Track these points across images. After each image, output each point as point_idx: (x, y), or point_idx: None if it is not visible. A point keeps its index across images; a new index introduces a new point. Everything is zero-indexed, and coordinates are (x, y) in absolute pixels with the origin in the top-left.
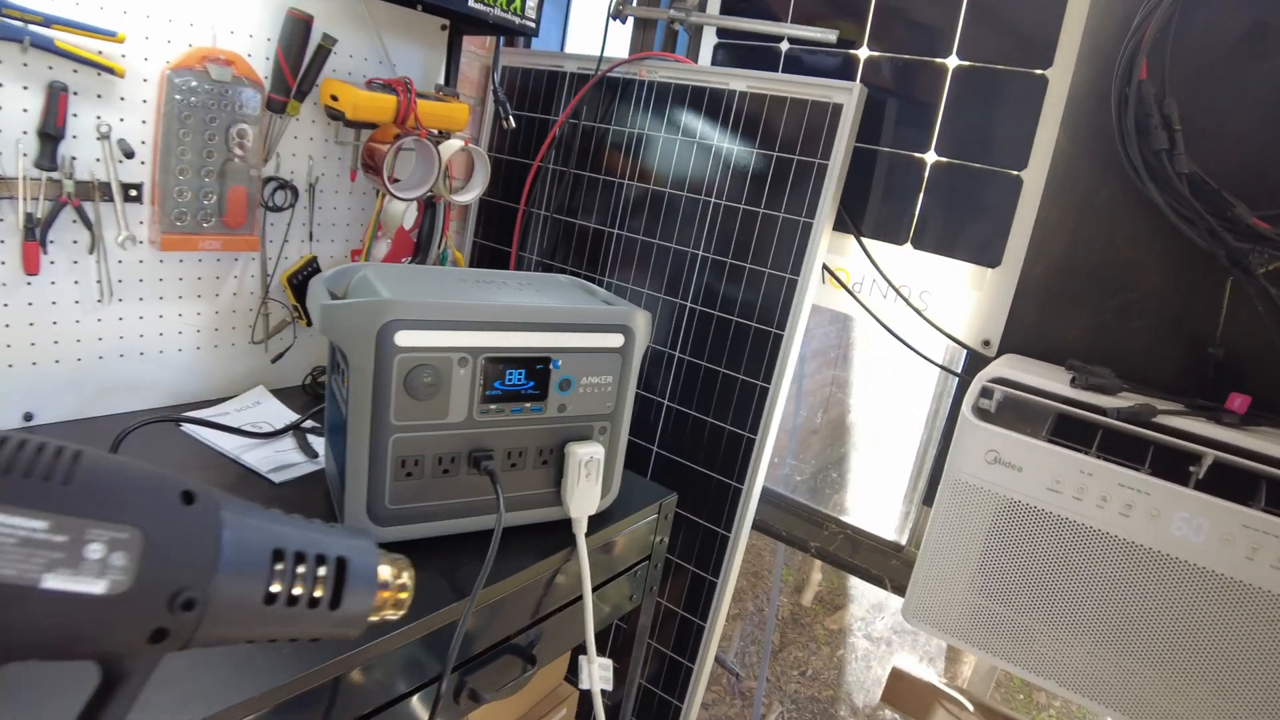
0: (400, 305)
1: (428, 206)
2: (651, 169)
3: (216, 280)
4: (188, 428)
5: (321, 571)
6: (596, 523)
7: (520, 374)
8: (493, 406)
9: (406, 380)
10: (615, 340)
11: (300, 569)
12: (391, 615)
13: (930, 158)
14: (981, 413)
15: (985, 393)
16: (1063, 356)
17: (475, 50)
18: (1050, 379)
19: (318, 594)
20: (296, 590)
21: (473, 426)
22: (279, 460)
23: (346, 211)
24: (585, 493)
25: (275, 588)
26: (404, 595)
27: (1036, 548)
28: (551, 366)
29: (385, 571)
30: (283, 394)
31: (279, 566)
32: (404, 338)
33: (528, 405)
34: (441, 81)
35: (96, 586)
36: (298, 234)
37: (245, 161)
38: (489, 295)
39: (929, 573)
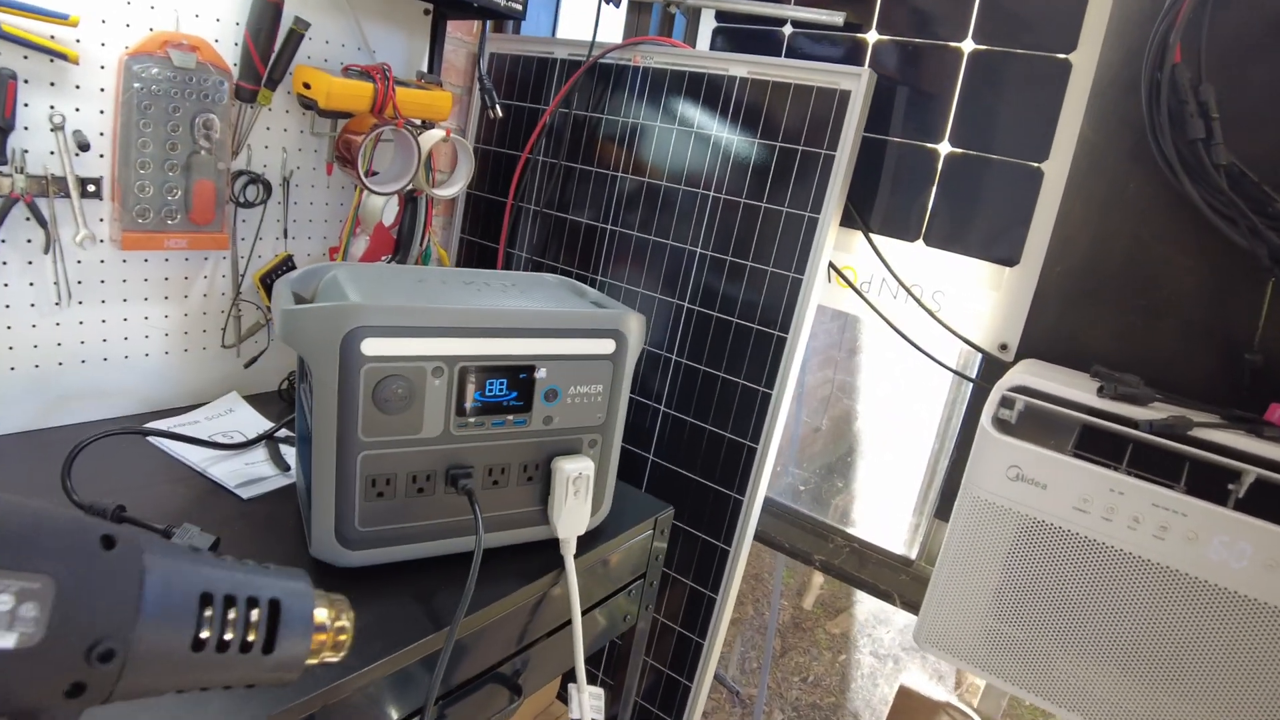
0: (367, 310)
1: (408, 201)
2: (647, 161)
3: (185, 281)
4: (154, 438)
5: (254, 615)
6: (587, 541)
7: (501, 384)
8: (471, 420)
9: (375, 392)
10: (606, 346)
11: (231, 613)
12: (331, 658)
13: (944, 148)
14: (1001, 424)
15: (1005, 403)
16: (1086, 361)
17: (461, 37)
18: (1075, 387)
19: (250, 639)
20: (227, 635)
21: (449, 442)
22: (249, 473)
23: (324, 207)
24: (574, 511)
25: (204, 633)
26: (343, 637)
27: (1062, 571)
28: (536, 375)
29: (322, 614)
30: (257, 400)
31: (208, 612)
32: (371, 346)
33: (510, 418)
34: (425, 69)
35: (5, 640)
36: (272, 231)
37: (212, 154)
38: (467, 298)
39: (944, 595)
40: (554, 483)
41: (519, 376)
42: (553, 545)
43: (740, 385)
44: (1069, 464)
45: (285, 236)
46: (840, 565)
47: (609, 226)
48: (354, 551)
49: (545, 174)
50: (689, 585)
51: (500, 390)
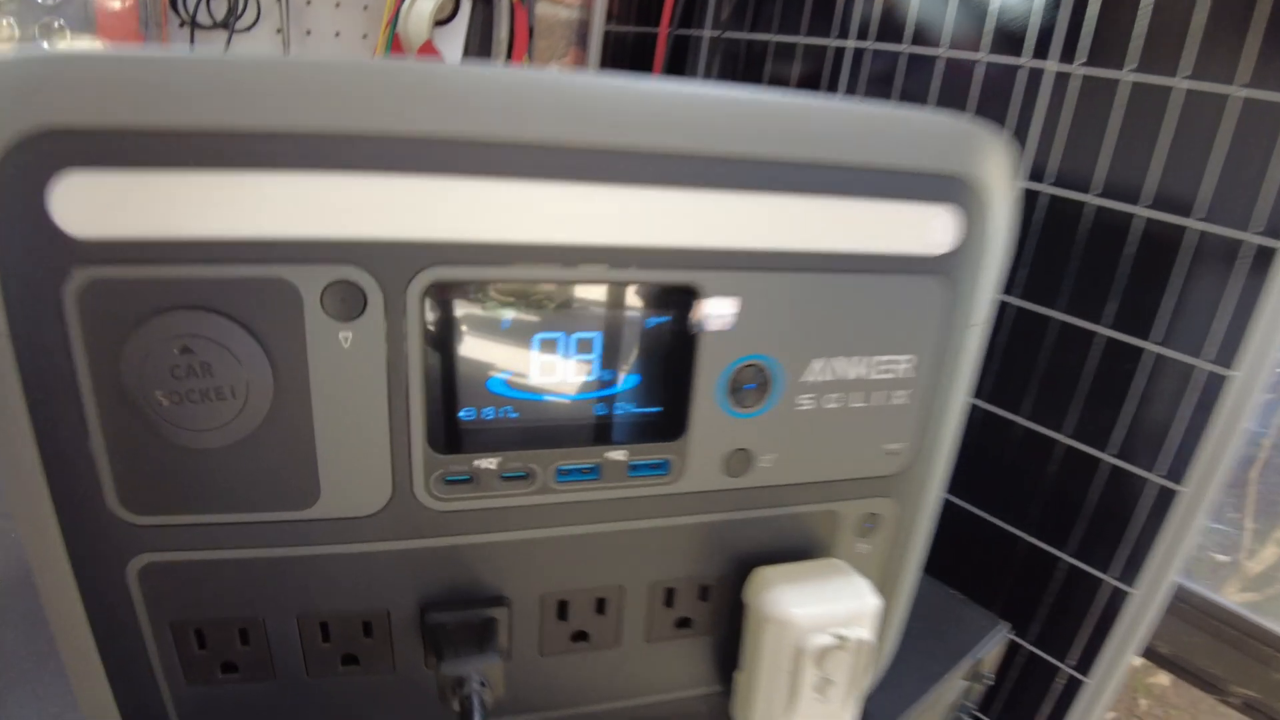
0: (63, 68)
1: (478, 4)
2: None
3: None
4: None
5: None
6: None
7: (590, 346)
8: (484, 465)
9: (144, 365)
10: (931, 223)
11: None
12: None
13: None
14: None
15: None
16: None
17: None
18: None
19: None
20: None
21: (418, 534)
22: None
23: (351, 28)
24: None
25: None
26: None
27: None
28: (701, 326)
29: None
30: None
31: None
32: (81, 190)
33: (616, 456)
34: None
35: None
36: None
37: None
38: (472, 68)
39: None
40: (756, 650)
41: (648, 323)
42: None
43: (1149, 354)
44: None
45: None
46: None
47: (851, 43)
48: None
49: None
50: None
51: (587, 368)
